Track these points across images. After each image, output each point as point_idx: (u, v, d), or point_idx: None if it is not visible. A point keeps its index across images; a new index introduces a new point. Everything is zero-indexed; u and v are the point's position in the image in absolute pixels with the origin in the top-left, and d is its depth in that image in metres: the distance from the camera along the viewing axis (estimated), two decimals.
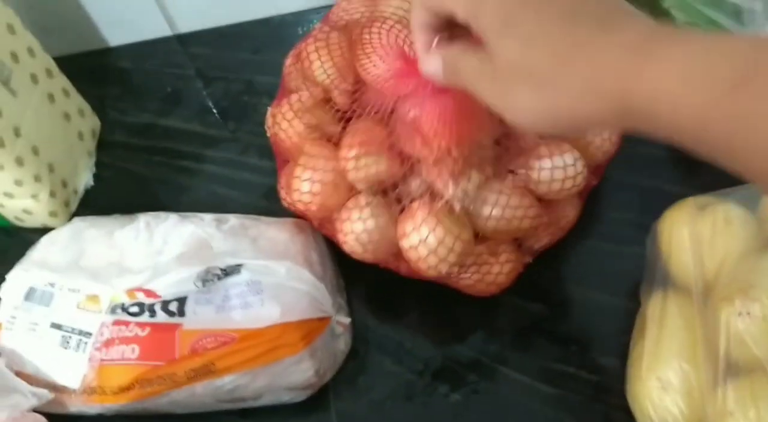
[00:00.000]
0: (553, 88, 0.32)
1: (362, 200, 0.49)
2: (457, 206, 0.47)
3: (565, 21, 0.32)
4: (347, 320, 0.52)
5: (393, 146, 0.48)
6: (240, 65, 0.69)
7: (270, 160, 0.63)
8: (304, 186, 0.50)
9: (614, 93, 0.29)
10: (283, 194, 0.55)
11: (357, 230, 0.49)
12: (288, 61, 0.57)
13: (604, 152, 0.52)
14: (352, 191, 0.50)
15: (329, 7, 0.58)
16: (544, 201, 0.50)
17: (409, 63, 0.47)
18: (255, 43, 0.71)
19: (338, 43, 0.52)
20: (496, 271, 0.50)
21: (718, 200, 0.46)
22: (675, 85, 0.27)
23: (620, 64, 0.29)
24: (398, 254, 0.50)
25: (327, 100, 0.52)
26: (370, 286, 0.56)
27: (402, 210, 0.49)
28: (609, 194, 0.57)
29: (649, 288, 0.47)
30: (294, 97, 0.53)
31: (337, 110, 0.52)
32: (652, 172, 0.57)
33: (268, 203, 0.61)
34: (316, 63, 0.52)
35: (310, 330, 0.48)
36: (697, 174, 0.57)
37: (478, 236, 0.49)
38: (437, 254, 0.47)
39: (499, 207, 0.47)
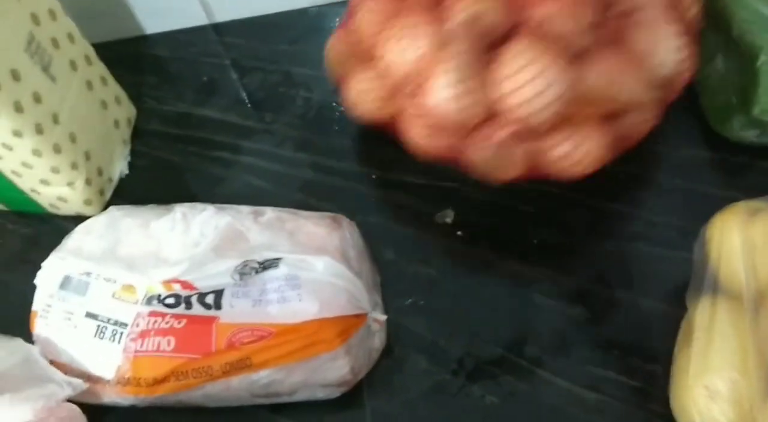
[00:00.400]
0: None
1: (455, 47, 0.44)
2: (581, 40, 0.44)
3: None
4: (383, 317, 0.51)
5: None
6: (277, 56, 0.69)
7: (306, 152, 0.62)
8: (400, 50, 0.46)
9: None
10: (352, 89, 0.52)
11: (443, 84, 0.44)
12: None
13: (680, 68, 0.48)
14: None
15: None
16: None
17: None
18: (292, 33, 0.70)
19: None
20: (585, 146, 0.47)
21: None
22: None
23: None
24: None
25: None
26: (406, 283, 0.55)
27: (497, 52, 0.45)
28: (653, 198, 0.55)
29: (696, 294, 0.46)
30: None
31: None
32: (696, 175, 0.56)
33: (303, 196, 0.60)
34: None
35: (347, 326, 0.48)
36: (742, 178, 0.55)
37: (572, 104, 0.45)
38: (545, 96, 0.43)
39: (603, 66, 0.44)
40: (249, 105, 0.66)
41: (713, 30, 0.54)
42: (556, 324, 0.52)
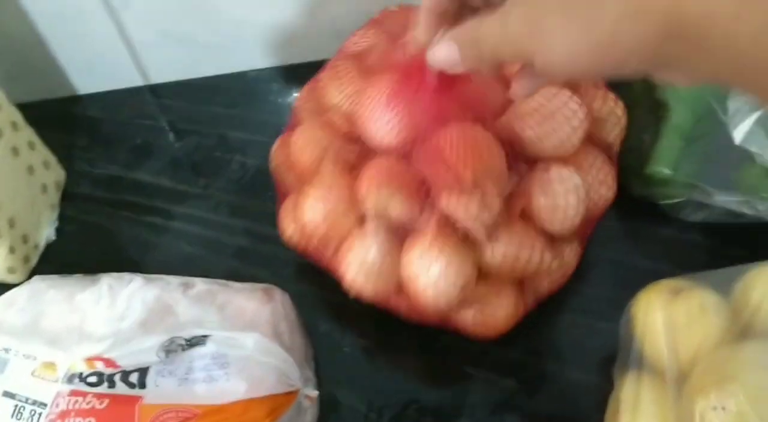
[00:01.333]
0: (590, 11, 0.28)
1: (370, 229, 0.48)
2: (480, 235, 0.46)
3: None
4: (315, 393, 0.50)
5: (412, 180, 0.47)
6: (213, 119, 0.68)
7: (241, 218, 0.62)
8: (314, 210, 0.49)
9: (661, 12, 0.26)
10: (284, 225, 0.53)
11: (361, 260, 0.47)
12: (300, 96, 0.57)
13: (601, 198, 0.52)
14: (361, 223, 0.49)
15: (307, 64, 0.58)
16: (550, 240, 0.49)
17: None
18: (229, 97, 0.70)
19: (350, 71, 0.53)
20: (496, 313, 0.49)
21: (692, 284, 0.45)
22: (731, 3, 0.25)
23: None
24: (400, 289, 0.49)
25: (342, 133, 0.52)
26: (340, 356, 0.55)
27: (407, 239, 0.48)
28: (585, 269, 0.56)
29: (623, 370, 0.46)
30: (308, 124, 0.53)
31: (353, 138, 0.51)
32: (628, 247, 0.57)
33: (237, 263, 0.60)
34: (330, 88, 0.53)
35: (277, 405, 0.47)
36: (670, 251, 0.57)
37: (481, 274, 0.48)
38: (439, 286, 0.46)
39: (508, 244, 0.46)
40: (183, 169, 0.65)
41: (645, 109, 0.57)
42: (489, 395, 0.52)
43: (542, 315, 0.54)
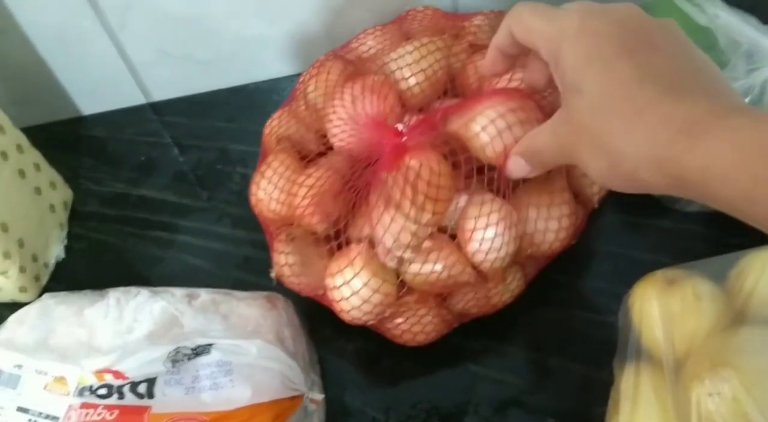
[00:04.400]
0: (616, 154, 0.33)
1: (282, 239, 0.50)
2: (391, 264, 0.48)
3: (633, 82, 0.33)
4: (320, 396, 0.51)
5: (344, 192, 0.50)
6: (214, 133, 0.70)
7: (243, 229, 0.63)
8: (264, 190, 0.53)
9: (669, 164, 0.31)
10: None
11: (284, 262, 0.51)
12: (268, 125, 0.58)
13: (550, 247, 0.51)
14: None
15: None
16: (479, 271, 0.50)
17: (382, 128, 0.49)
18: (229, 111, 0.71)
19: (332, 70, 0.56)
20: (421, 324, 0.51)
21: (687, 274, 0.46)
22: (726, 162, 0.29)
23: (674, 141, 0.31)
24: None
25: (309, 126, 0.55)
26: (346, 360, 0.55)
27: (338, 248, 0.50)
28: (582, 263, 0.57)
29: (622, 362, 0.47)
30: (279, 111, 0.57)
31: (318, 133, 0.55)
32: (627, 240, 0.57)
33: (241, 273, 0.61)
34: (309, 84, 0.55)
35: (282, 409, 0.48)
36: (669, 242, 0.57)
37: (409, 287, 0.50)
38: (356, 301, 0.48)
39: (432, 266, 0.48)
40: (186, 183, 0.67)
41: None
42: (494, 393, 0.53)
43: (544, 311, 0.54)
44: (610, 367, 0.49)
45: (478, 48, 0.56)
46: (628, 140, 0.33)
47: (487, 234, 0.48)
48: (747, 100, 0.49)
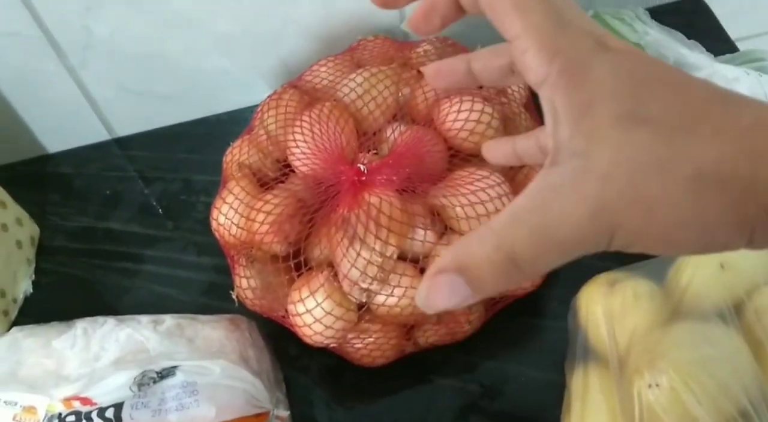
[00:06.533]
0: (674, 222, 0.25)
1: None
2: (357, 296, 0.50)
3: (658, 139, 0.24)
4: (286, 413, 0.52)
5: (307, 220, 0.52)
6: (177, 165, 0.71)
7: (208, 256, 0.64)
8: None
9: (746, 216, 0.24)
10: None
11: (247, 284, 0.53)
12: (228, 152, 0.60)
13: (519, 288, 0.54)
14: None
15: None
16: None
17: (341, 163, 0.51)
18: (191, 143, 0.73)
19: (290, 101, 0.58)
20: (380, 348, 0.53)
21: (628, 275, 0.48)
22: None
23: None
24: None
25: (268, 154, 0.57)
26: (310, 376, 0.57)
27: (299, 275, 0.51)
28: None
29: (572, 363, 0.49)
30: (238, 142, 0.59)
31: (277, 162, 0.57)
32: None
33: (207, 299, 0.62)
34: (267, 116, 0.58)
35: None
36: None
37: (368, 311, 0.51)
38: (318, 327, 0.50)
39: (393, 298, 0.49)
40: (152, 215, 0.68)
41: None
42: (455, 401, 0.54)
43: (499, 321, 0.56)
44: (563, 370, 0.51)
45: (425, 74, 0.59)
46: (694, 212, 0.24)
47: None
48: None
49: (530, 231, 0.25)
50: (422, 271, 0.51)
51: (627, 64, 0.25)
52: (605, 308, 0.47)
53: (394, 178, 0.51)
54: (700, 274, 0.45)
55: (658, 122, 0.24)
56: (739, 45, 0.70)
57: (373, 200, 0.49)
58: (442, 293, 0.26)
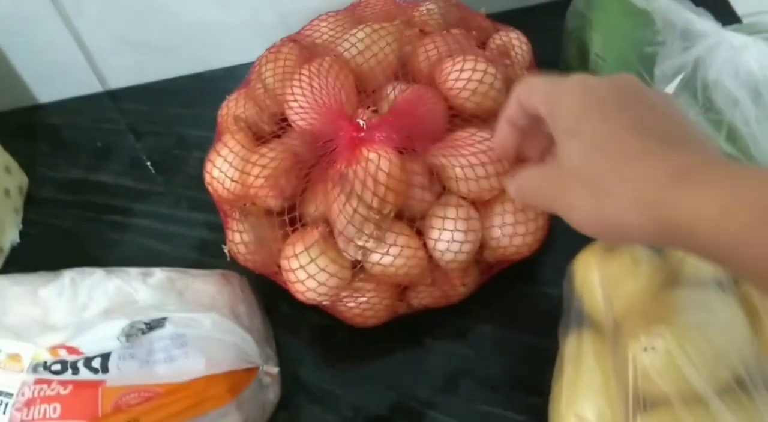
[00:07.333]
0: (605, 195, 0.34)
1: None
2: (351, 254, 0.49)
3: (628, 132, 0.34)
4: (275, 370, 0.52)
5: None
6: (171, 120, 0.70)
7: (201, 212, 0.64)
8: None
9: (658, 211, 0.32)
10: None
11: (240, 239, 0.52)
12: (223, 106, 0.59)
13: (517, 251, 0.53)
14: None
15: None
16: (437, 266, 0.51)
17: (340, 118, 0.50)
18: (186, 98, 0.72)
19: (289, 56, 0.57)
20: (373, 308, 0.52)
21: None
22: (714, 212, 0.30)
23: (667, 186, 0.32)
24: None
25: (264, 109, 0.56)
26: (301, 335, 0.56)
27: (294, 231, 0.50)
28: None
29: (566, 328, 0.48)
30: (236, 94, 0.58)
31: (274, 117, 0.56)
32: None
33: (198, 255, 0.61)
34: (265, 69, 0.56)
35: (237, 381, 0.48)
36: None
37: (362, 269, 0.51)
38: (311, 284, 0.49)
39: (389, 257, 0.49)
40: (143, 169, 0.67)
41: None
42: (446, 364, 0.54)
43: (493, 286, 0.56)
44: (556, 336, 0.51)
45: (428, 34, 0.58)
46: (618, 182, 0.33)
47: (446, 234, 0.49)
48: (681, 76, 0.51)
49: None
50: (418, 232, 0.50)
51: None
52: (602, 274, 0.46)
53: (394, 136, 0.50)
54: None
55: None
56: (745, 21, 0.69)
57: (372, 156, 0.48)
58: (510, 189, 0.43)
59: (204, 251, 0.61)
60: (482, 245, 0.52)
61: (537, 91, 0.40)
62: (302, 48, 0.59)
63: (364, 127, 0.50)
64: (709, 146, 0.35)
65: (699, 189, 0.31)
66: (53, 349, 0.49)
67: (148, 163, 0.68)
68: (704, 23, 0.53)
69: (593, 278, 0.47)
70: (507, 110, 0.43)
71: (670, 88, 0.52)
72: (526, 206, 0.47)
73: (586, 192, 0.35)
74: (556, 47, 0.65)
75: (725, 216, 0.29)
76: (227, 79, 0.72)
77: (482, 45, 0.59)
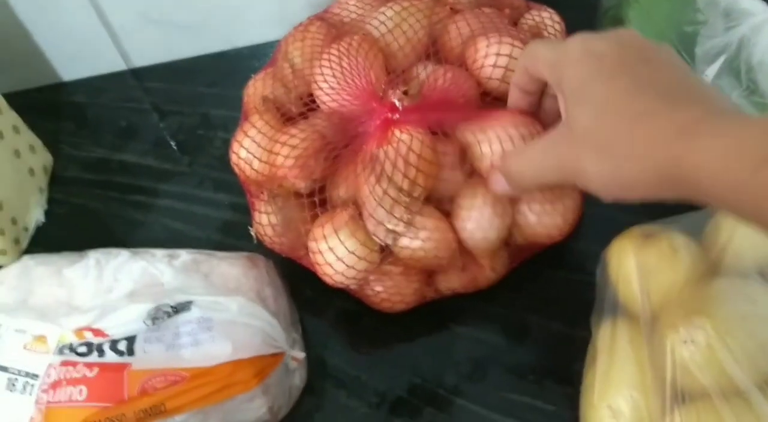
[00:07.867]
0: (616, 154, 0.35)
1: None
2: (381, 237, 0.48)
3: (633, 92, 0.35)
4: (302, 354, 0.51)
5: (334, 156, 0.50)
6: (195, 99, 0.69)
7: (226, 193, 0.63)
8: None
9: (665, 163, 0.33)
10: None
11: (267, 221, 0.51)
12: (249, 85, 0.58)
13: (548, 235, 0.51)
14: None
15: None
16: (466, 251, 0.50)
17: (373, 98, 0.49)
18: (210, 77, 0.71)
19: (317, 34, 0.56)
20: (401, 293, 0.51)
21: (663, 229, 0.46)
22: (715, 160, 0.31)
23: (673, 139, 0.33)
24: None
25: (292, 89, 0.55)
26: (326, 320, 0.56)
27: (323, 212, 0.49)
28: None
29: (599, 317, 0.47)
30: (262, 73, 0.57)
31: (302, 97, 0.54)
32: (598, 199, 0.57)
33: (223, 236, 0.61)
34: (292, 48, 0.55)
35: (263, 366, 0.48)
36: (650, 203, 0.57)
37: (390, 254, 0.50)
38: (340, 267, 0.48)
39: (417, 240, 0.48)
40: (167, 148, 0.66)
41: None
42: (474, 351, 0.53)
43: (523, 272, 0.55)
44: (588, 324, 0.50)
45: (458, 11, 0.56)
46: (630, 141, 0.34)
47: (475, 213, 0.48)
48: (724, 57, 0.50)
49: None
50: (447, 215, 0.49)
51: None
52: (639, 262, 0.45)
53: (427, 117, 0.48)
54: (742, 230, 0.43)
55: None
56: None
57: (404, 137, 0.47)
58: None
59: (228, 233, 0.61)
60: (511, 227, 0.51)
61: (542, 60, 0.41)
62: (330, 26, 0.57)
63: (400, 107, 0.48)
64: (711, 96, 0.36)
65: (701, 141, 0.32)
66: (79, 331, 0.49)
67: (173, 143, 0.67)
68: (749, 1, 0.50)
69: (629, 267, 0.46)
70: (515, 78, 0.45)
71: (712, 70, 0.50)
72: (522, 190, 0.47)
73: (596, 155, 0.36)
74: (590, 26, 0.62)
75: (726, 162, 0.30)
76: (252, 58, 0.71)
77: (514, 24, 0.57)
